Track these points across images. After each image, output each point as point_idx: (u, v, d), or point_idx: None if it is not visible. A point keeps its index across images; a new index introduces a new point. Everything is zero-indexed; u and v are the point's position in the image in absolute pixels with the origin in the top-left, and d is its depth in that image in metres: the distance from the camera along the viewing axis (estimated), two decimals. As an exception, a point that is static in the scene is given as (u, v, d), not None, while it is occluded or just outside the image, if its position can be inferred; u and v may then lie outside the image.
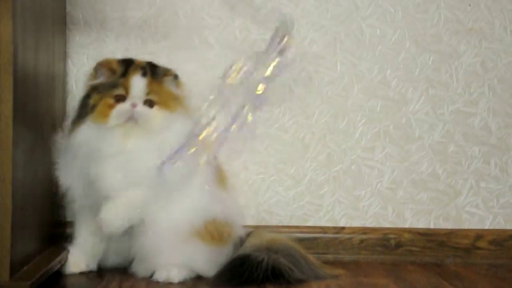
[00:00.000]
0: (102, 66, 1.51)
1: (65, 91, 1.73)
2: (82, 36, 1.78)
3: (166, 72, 1.55)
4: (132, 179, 1.47)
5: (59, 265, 1.52)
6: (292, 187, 1.82)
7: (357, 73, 1.82)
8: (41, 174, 1.50)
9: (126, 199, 1.47)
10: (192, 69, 1.78)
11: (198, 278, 1.55)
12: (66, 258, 1.56)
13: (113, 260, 1.59)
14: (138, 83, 1.49)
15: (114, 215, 1.46)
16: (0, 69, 1.28)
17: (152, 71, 1.52)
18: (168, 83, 1.54)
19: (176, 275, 1.52)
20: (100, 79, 1.51)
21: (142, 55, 1.75)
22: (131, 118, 1.48)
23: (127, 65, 1.52)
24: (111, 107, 1.48)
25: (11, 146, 1.29)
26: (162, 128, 1.50)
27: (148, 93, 1.50)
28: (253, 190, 1.81)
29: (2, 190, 1.29)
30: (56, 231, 1.66)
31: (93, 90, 1.50)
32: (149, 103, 1.50)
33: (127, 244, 1.53)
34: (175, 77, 1.56)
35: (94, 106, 1.48)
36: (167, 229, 1.50)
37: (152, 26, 1.78)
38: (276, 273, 1.53)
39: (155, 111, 1.50)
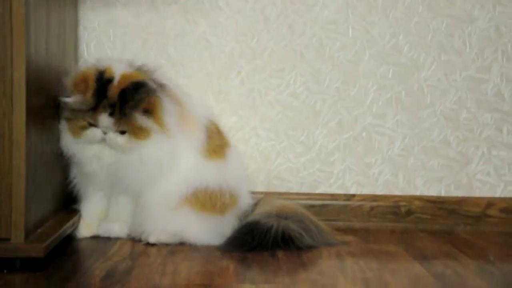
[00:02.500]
0: (78, 88, 1.49)
1: (77, 55, 1.72)
2: (93, 1, 1.76)
3: (138, 104, 1.50)
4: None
5: (72, 228, 1.52)
6: (302, 154, 1.81)
7: (369, 39, 1.80)
8: (53, 137, 1.50)
9: None
10: (202, 34, 1.77)
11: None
12: (79, 221, 1.57)
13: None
14: (105, 121, 1.49)
15: None
16: (13, 35, 1.27)
17: (122, 106, 1.49)
18: (138, 118, 1.50)
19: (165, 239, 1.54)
20: (75, 100, 1.48)
21: (151, 19, 1.75)
22: (103, 141, 1.50)
23: (99, 98, 1.49)
24: (83, 128, 1.50)
25: (24, 110, 1.29)
26: (135, 151, 1.52)
27: (117, 127, 1.50)
28: (263, 156, 1.80)
29: (15, 154, 1.29)
30: (69, 193, 1.66)
31: (70, 110, 1.50)
32: (121, 131, 1.51)
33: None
34: (161, 86, 1.54)
35: (69, 120, 1.51)
36: (156, 199, 1.53)
37: (162, -10, 1.77)
38: (286, 239, 1.53)
39: (126, 138, 1.51)
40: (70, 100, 1.48)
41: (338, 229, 1.70)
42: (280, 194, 1.78)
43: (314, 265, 1.45)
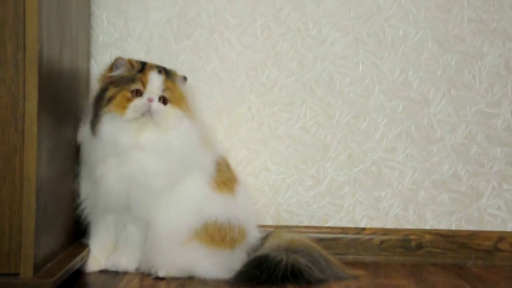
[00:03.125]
0: (121, 60, 1.56)
1: (88, 90, 1.74)
2: (106, 36, 1.79)
3: (176, 73, 1.61)
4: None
5: (81, 262, 1.53)
6: (312, 187, 1.82)
7: (379, 74, 1.81)
8: (64, 172, 1.51)
9: None
10: (214, 69, 1.79)
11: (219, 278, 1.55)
12: (88, 255, 1.57)
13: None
14: (155, 79, 1.55)
15: None
16: (26, 68, 1.29)
17: (165, 70, 1.59)
18: (179, 82, 1.60)
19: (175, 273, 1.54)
20: (118, 72, 1.55)
21: (164, 55, 1.78)
22: (147, 113, 1.52)
23: (143, 63, 1.58)
24: (128, 100, 1.53)
25: (36, 144, 1.30)
26: (173, 126, 1.54)
27: (163, 90, 1.55)
28: (273, 190, 1.81)
29: (26, 189, 1.30)
30: (79, 228, 1.68)
31: (110, 84, 1.54)
32: (163, 100, 1.55)
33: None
34: (185, 78, 1.61)
35: (111, 99, 1.53)
36: (166, 232, 1.53)
37: (174, 26, 1.79)
38: (295, 273, 1.53)
39: (169, 108, 1.55)
40: (118, 70, 1.54)
41: (348, 263, 1.70)
42: (290, 228, 1.78)
43: (323, 300, 1.46)
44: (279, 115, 1.81)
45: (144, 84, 1.53)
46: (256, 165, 1.80)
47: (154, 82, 1.54)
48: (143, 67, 1.56)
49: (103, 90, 1.54)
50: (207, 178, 1.58)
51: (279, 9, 1.80)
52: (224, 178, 1.60)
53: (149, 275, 1.55)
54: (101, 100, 1.53)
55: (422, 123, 1.82)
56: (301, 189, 1.82)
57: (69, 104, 1.55)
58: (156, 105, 1.53)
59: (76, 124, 1.58)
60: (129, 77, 1.54)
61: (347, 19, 1.81)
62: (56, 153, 1.46)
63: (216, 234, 1.55)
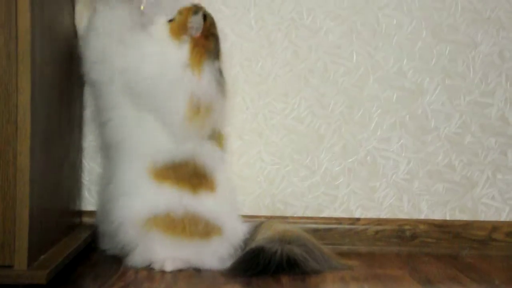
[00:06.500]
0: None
1: (82, 79, 1.73)
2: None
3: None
4: None
5: (75, 254, 1.53)
6: (307, 178, 1.81)
7: (373, 64, 1.81)
8: (57, 164, 1.51)
9: None
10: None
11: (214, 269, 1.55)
12: (83, 246, 1.57)
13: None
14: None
15: None
16: (18, 59, 1.29)
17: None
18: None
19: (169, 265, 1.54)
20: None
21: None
22: None
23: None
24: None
25: (29, 136, 1.29)
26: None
27: None
28: (268, 180, 1.81)
29: (19, 180, 1.29)
30: (73, 220, 1.67)
31: None
32: None
33: None
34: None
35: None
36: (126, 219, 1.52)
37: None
38: (291, 263, 1.53)
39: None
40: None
41: (343, 253, 1.70)
42: (284, 218, 1.78)
43: (318, 290, 1.45)
44: (273, 105, 1.81)
45: None
46: (251, 155, 1.80)
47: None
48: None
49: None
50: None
51: (272, -1, 1.80)
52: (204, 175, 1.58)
53: (147, 267, 1.55)
54: None
55: (416, 113, 1.82)
56: (296, 179, 1.81)
57: (63, 94, 1.54)
58: None
59: (70, 118, 1.57)
60: None
61: (341, 8, 1.80)
62: (50, 144, 1.45)
63: (173, 225, 1.53)
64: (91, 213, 1.75)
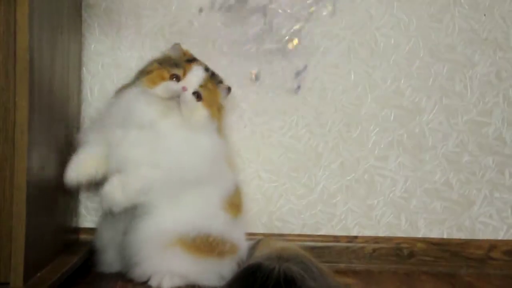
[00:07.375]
0: (177, 45, 1.58)
1: (80, 99, 1.74)
2: (98, 44, 1.79)
3: (222, 80, 1.60)
4: (151, 158, 1.48)
5: (72, 271, 1.53)
6: (304, 196, 1.82)
7: (371, 82, 1.82)
8: (55, 182, 1.51)
9: (137, 175, 1.48)
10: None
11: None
12: (79, 263, 1.57)
13: (115, 265, 1.60)
14: (198, 72, 1.54)
15: (119, 188, 1.47)
16: (16, 77, 1.29)
17: (213, 73, 1.58)
18: (221, 89, 1.59)
19: (167, 282, 1.52)
20: (169, 52, 1.57)
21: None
22: (176, 98, 1.49)
23: (195, 58, 1.58)
24: (163, 79, 1.52)
25: (26, 153, 1.30)
26: (199, 126, 1.52)
27: (201, 86, 1.53)
28: (265, 198, 1.81)
29: (16, 198, 1.29)
30: (70, 237, 1.67)
31: (156, 61, 1.56)
32: (197, 96, 1.53)
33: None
34: (229, 89, 1.61)
35: (149, 72, 1.53)
36: (151, 235, 1.50)
37: (166, 34, 1.79)
38: (288, 281, 1.52)
39: (200, 105, 1.53)
40: (171, 50, 1.56)
41: (340, 271, 1.70)
42: (282, 236, 1.78)
43: (314, 309, 1.45)
44: (271, 123, 1.81)
45: (185, 73, 1.53)
46: (248, 173, 1.80)
47: (195, 74, 1.53)
48: (193, 60, 1.56)
49: (147, 65, 1.55)
50: (222, 195, 1.56)
51: (269, 19, 1.80)
52: (235, 202, 1.60)
53: (143, 283, 1.55)
54: (140, 72, 1.54)
55: (414, 131, 1.83)
56: (293, 197, 1.82)
57: (60, 112, 1.55)
58: (189, 95, 1.51)
59: (67, 133, 1.57)
60: (175, 61, 1.53)
61: (339, 28, 1.81)
62: (47, 162, 1.45)
63: (205, 246, 1.53)
64: (88, 230, 1.75)
